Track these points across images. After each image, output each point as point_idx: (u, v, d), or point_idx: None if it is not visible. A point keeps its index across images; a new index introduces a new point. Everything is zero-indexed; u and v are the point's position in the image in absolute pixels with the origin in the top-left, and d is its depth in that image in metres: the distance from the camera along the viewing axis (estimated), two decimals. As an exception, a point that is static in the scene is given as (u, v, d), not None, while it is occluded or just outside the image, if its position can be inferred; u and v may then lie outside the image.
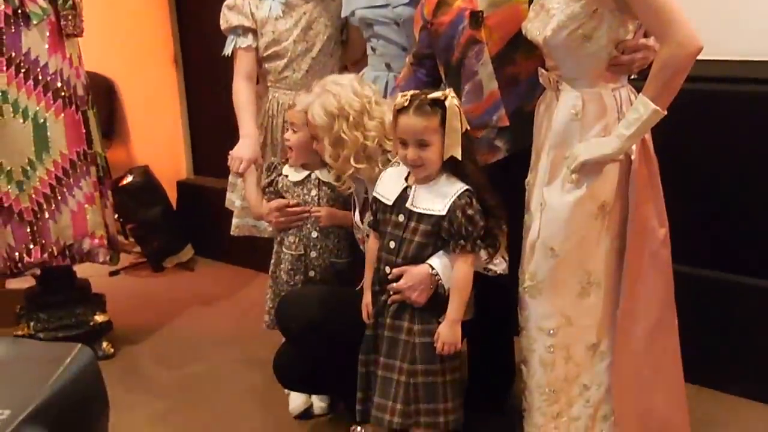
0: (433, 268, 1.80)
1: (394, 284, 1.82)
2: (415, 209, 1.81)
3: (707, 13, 2.27)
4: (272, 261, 2.30)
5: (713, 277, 2.40)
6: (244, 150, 2.33)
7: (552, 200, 1.78)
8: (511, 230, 1.88)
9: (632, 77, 1.80)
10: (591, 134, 1.74)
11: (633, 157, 1.74)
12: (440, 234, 1.79)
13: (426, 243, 1.81)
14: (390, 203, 1.86)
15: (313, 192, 2.21)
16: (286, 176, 2.24)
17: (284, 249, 2.25)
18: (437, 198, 1.79)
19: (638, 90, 1.71)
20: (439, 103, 1.74)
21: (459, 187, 1.78)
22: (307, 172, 2.22)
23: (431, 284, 1.80)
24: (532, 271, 1.83)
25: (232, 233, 2.61)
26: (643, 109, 1.64)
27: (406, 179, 1.85)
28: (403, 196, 1.84)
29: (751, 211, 2.34)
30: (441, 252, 1.82)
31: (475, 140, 1.90)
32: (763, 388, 2.33)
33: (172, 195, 4.00)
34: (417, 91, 1.80)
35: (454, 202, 1.77)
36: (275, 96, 2.46)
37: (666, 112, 1.65)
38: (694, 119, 2.28)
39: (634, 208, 1.75)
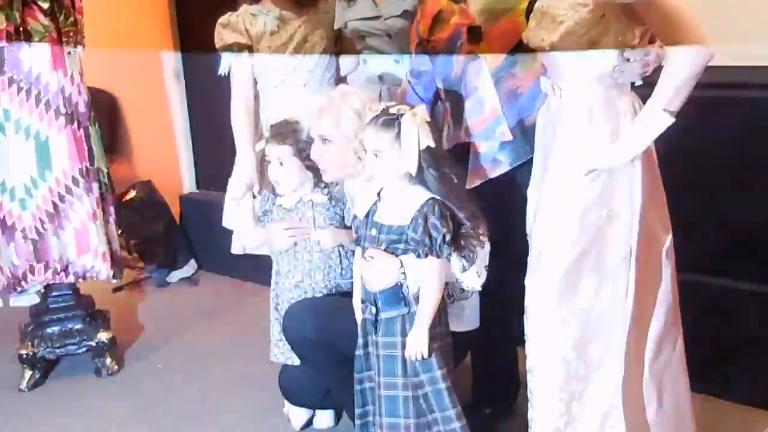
0: (401, 265, 1.82)
1: (363, 262, 1.87)
2: (383, 222, 1.85)
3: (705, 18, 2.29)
4: (272, 293, 2.28)
5: (719, 284, 2.39)
6: (242, 176, 2.35)
7: (559, 208, 1.78)
8: (516, 240, 1.88)
9: (637, 84, 1.80)
10: (598, 141, 1.73)
11: (637, 164, 1.74)
12: (408, 243, 1.82)
13: (395, 254, 1.83)
14: (362, 217, 1.90)
15: (308, 214, 2.20)
16: (280, 205, 2.24)
17: (282, 278, 2.24)
18: (402, 209, 1.83)
19: (642, 96, 1.71)
20: (397, 118, 1.78)
21: (423, 196, 1.81)
22: (299, 197, 2.21)
23: (394, 279, 1.82)
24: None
25: (232, 251, 2.61)
26: (653, 116, 1.64)
27: (378, 194, 1.89)
28: (372, 209, 1.88)
29: (758, 218, 2.33)
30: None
31: (475, 154, 1.91)
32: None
33: (175, 209, 4.01)
34: (389, 104, 1.84)
35: (417, 210, 1.80)
36: (271, 112, 2.45)
37: (674, 120, 1.64)
38: (700, 125, 2.27)
39: (639, 215, 1.75)
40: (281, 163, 2.16)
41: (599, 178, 1.73)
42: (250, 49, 2.39)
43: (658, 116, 1.63)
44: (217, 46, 2.44)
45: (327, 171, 2.07)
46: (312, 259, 2.19)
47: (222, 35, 2.41)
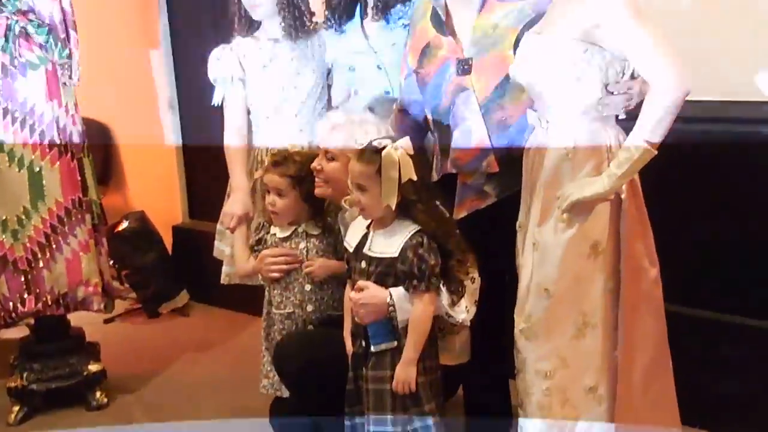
0: (391, 297, 1.82)
1: (353, 294, 1.86)
2: (372, 254, 1.86)
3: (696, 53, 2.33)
4: (264, 324, 2.27)
5: (708, 317, 2.39)
6: (235, 206, 2.36)
7: (544, 240, 1.79)
8: (505, 273, 1.88)
9: (621, 117, 1.83)
10: (582, 173, 1.76)
11: (623, 196, 1.75)
12: (397, 276, 1.82)
13: (384, 286, 1.83)
14: (352, 250, 1.91)
15: (302, 245, 2.19)
16: (274, 234, 2.23)
17: (273, 309, 2.22)
18: (391, 241, 1.84)
19: (627, 130, 1.73)
20: (379, 152, 1.79)
21: (411, 228, 1.82)
22: (293, 227, 2.21)
23: (383, 311, 1.83)
24: (527, 312, 1.83)
25: (222, 282, 2.61)
26: (635, 149, 1.66)
27: (368, 227, 1.89)
28: (362, 242, 1.89)
29: (745, 251, 2.34)
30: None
31: (463, 186, 1.92)
32: (762, 430, 2.31)
33: (168, 239, 4.00)
34: (375, 138, 1.86)
35: (405, 242, 1.81)
36: (263, 142, 2.48)
37: (656, 152, 1.66)
38: (685, 158, 2.30)
39: (626, 248, 1.76)
40: (280, 194, 2.16)
41: (584, 210, 1.74)
42: (243, 80, 2.43)
43: (638, 149, 1.66)
44: (210, 78, 2.47)
45: (321, 186, 2.08)
46: (304, 290, 2.18)
47: (216, 67, 2.45)
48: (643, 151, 1.65)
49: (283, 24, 2.39)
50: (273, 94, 2.43)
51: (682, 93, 1.63)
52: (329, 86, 2.53)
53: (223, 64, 2.43)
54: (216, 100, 2.48)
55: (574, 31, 1.69)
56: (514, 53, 1.87)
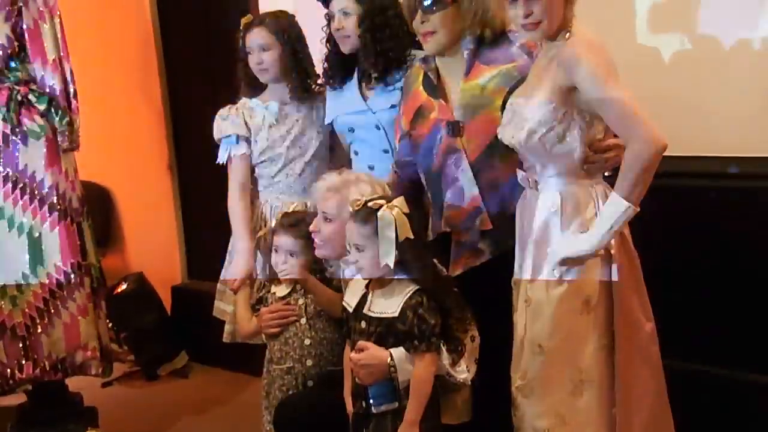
0: (391, 358, 1.82)
1: (353, 355, 1.86)
2: (372, 314, 1.87)
3: (688, 111, 2.38)
4: (264, 381, 2.27)
5: (708, 371, 2.37)
6: (238, 267, 2.39)
7: (536, 297, 1.80)
8: (500, 330, 1.89)
9: (607, 174, 1.86)
10: (570, 230, 1.78)
11: (613, 252, 1.77)
12: (397, 336, 1.82)
13: (384, 347, 1.84)
14: (352, 310, 1.92)
15: (300, 301, 2.20)
16: (274, 293, 2.26)
17: (274, 365, 2.23)
18: (390, 301, 1.85)
19: (613, 185, 1.76)
20: (375, 212, 1.81)
21: (410, 288, 1.83)
22: (293, 285, 2.22)
23: (384, 372, 1.82)
24: (522, 369, 1.83)
25: (224, 340, 2.60)
26: (615, 207, 1.69)
27: (367, 286, 1.90)
28: (362, 302, 1.90)
29: (744, 304, 2.34)
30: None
31: (457, 243, 1.94)
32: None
33: (167, 300, 4.00)
34: (370, 198, 1.88)
35: (405, 302, 1.82)
36: (267, 200, 2.52)
37: (639, 209, 1.69)
38: (680, 213, 2.33)
39: (619, 303, 1.77)
40: (292, 254, 2.17)
41: (575, 267, 1.76)
42: (248, 140, 2.47)
43: (619, 207, 1.68)
44: (216, 137, 2.51)
45: (320, 247, 2.09)
46: (303, 345, 2.18)
47: (221, 126, 2.49)
48: (624, 209, 1.68)
49: (288, 86, 2.45)
50: (278, 153, 2.47)
51: (656, 152, 1.65)
52: (332, 147, 2.58)
53: (229, 123, 2.47)
54: (221, 159, 2.51)
55: (553, 94, 1.73)
56: (502, 113, 1.92)
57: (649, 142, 1.65)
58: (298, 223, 2.19)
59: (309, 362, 2.17)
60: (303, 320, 2.19)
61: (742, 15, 2.36)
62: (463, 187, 2.02)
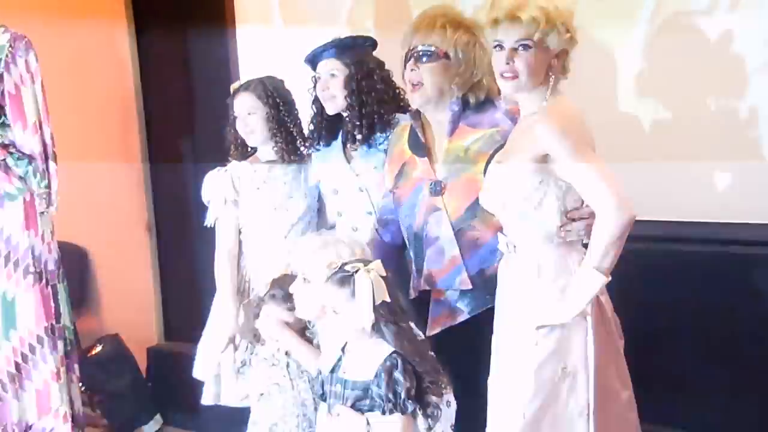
0: (368, 423, 1.80)
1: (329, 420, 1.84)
2: (347, 377, 1.85)
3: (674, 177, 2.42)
4: None
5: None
6: (225, 328, 2.39)
7: (515, 363, 1.79)
8: (479, 393, 1.87)
9: (585, 242, 1.86)
10: (548, 296, 1.77)
11: (589, 319, 1.76)
12: (373, 399, 1.81)
13: (360, 410, 1.82)
14: (327, 373, 1.90)
15: (283, 361, 2.17)
16: (257, 354, 2.25)
17: (256, 428, 2.18)
18: (365, 364, 1.84)
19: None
20: (351, 275, 1.81)
21: (385, 350, 1.82)
22: (277, 347, 2.20)
23: None
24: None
25: (204, 402, 2.56)
26: (586, 276, 1.70)
27: (342, 349, 1.90)
28: (337, 365, 1.89)
29: (725, 370, 2.34)
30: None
31: (436, 302, 1.95)
32: None
33: (143, 361, 3.92)
34: (347, 261, 1.88)
35: (380, 365, 1.81)
36: (252, 261, 2.50)
37: (610, 278, 1.70)
38: (659, 278, 2.35)
39: (595, 371, 1.75)
40: (285, 323, 2.16)
41: (552, 333, 1.75)
42: (236, 203, 2.48)
43: (591, 276, 1.69)
44: (204, 199, 2.52)
45: (298, 309, 2.08)
46: (285, 404, 2.15)
47: (210, 188, 2.50)
48: (595, 278, 1.68)
49: (275, 148, 2.48)
50: (265, 215, 2.47)
51: (624, 223, 1.66)
52: (319, 209, 2.58)
53: (217, 185, 2.48)
54: (209, 222, 2.51)
55: (529, 162, 1.74)
56: (484, 176, 1.94)
57: (618, 214, 1.66)
58: (287, 288, 2.15)
59: (291, 421, 2.14)
60: (286, 379, 2.16)
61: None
62: (444, 246, 2.04)
